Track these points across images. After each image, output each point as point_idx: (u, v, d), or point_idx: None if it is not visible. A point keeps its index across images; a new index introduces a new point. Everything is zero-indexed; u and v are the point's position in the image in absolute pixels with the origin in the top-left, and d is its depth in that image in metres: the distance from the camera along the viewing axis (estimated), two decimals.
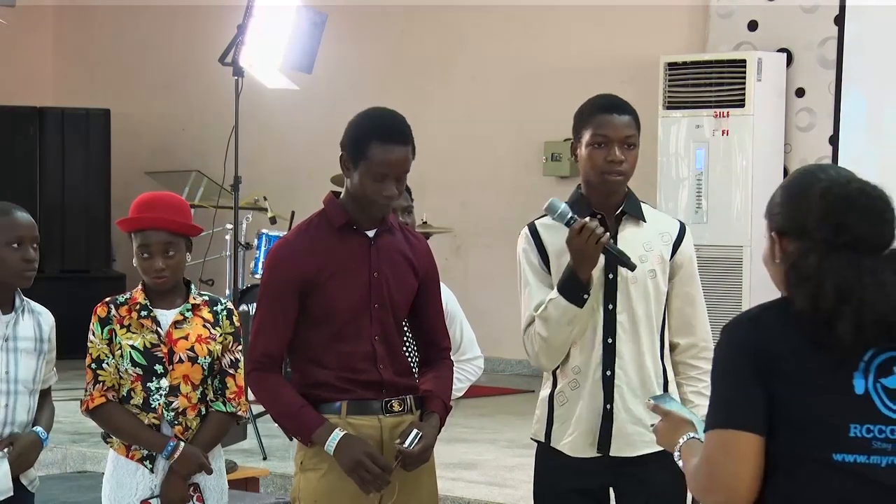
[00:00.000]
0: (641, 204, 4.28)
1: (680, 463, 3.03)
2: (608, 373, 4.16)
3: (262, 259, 9.68)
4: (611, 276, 4.17)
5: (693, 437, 3.03)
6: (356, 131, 4.18)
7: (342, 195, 4.25)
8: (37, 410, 4.62)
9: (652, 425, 3.24)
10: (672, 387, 4.23)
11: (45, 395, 4.70)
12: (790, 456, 2.79)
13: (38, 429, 4.58)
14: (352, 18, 12.37)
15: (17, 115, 13.19)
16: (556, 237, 4.22)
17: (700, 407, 4.07)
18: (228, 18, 10.32)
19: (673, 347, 4.26)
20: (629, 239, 4.21)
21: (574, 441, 4.19)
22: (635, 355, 4.18)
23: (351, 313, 4.17)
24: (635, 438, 4.16)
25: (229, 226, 10.49)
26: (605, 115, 4.20)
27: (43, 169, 13.13)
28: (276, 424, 4.31)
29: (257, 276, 9.56)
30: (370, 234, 4.22)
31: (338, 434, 4.07)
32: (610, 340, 4.17)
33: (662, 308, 4.22)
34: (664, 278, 4.21)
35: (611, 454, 4.17)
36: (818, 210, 2.88)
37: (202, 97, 13.29)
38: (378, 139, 4.11)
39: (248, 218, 10.53)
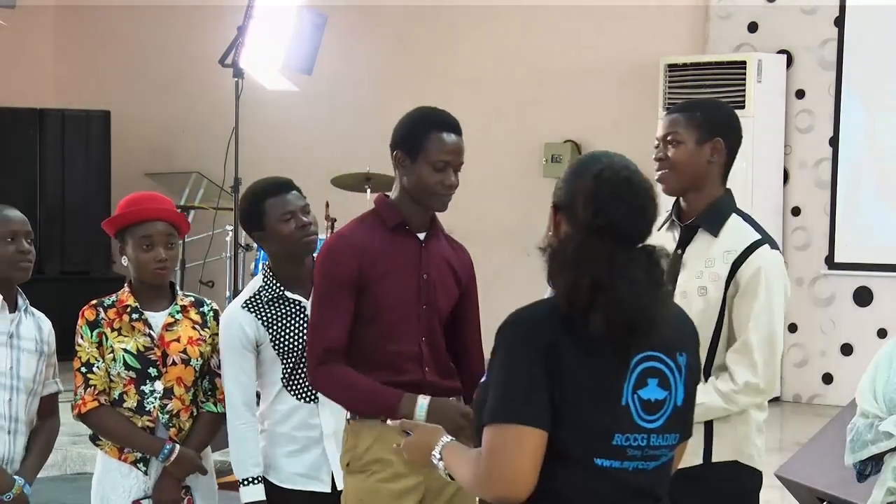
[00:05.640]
0: (732, 216, 4.14)
1: (441, 465, 3.06)
2: None
3: (262, 261, 9.67)
4: (669, 287, 4.12)
5: (450, 441, 3.08)
6: (413, 125, 4.22)
7: (394, 196, 4.27)
8: (30, 440, 4.58)
9: (396, 445, 3.24)
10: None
11: (48, 415, 4.65)
12: (557, 454, 2.85)
13: (24, 484, 4.51)
14: (352, 19, 12.37)
15: (18, 116, 13.18)
16: None
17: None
18: (228, 20, 10.32)
19: None
20: (694, 254, 4.13)
21: None
22: None
23: (400, 313, 4.20)
24: None
25: (229, 227, 10.50)
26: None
27: (43, 170, 13.13)
28: (349, 412, 4.27)
29: None
30: (421, 236, 4.26)
31: (424, 403, 4.07)
32: None
33: (712, 327, 4.07)
34: (717, 298, 4.06)
35: None
36: (587, 190, 2.94)
37: (202, 99, 13.29)
38: (437, 129, 4.19)
39: None
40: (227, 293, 10.31)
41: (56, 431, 4.68)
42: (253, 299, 4.61)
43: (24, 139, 13.11)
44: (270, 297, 4.61)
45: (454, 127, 4.23)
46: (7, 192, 12.71)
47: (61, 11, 14.79)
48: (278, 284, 4.63)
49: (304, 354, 4.59)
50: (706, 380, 4.08)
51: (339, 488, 4.58)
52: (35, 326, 4.61)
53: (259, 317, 4.58)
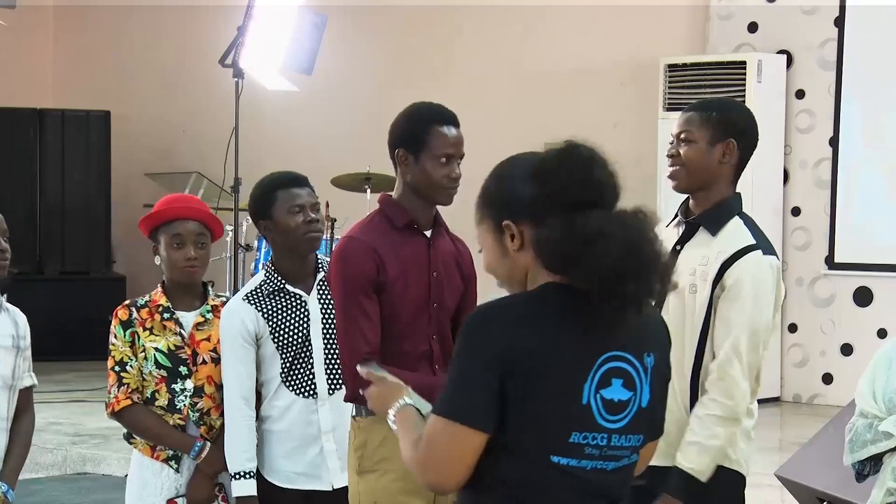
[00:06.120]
0: (734, 219, 4.16)
1: (394, 427, 3.08)
2: None
3: (262, 261, 9.67)
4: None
5: (408, 404, 3.09)
6: (412, 122, 4.23)
7: (397, 195, 4.26)
8: (9, 440, 4.56)
9: (362, 391, 3.21)
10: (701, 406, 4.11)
11: (24, 410, 4.63)
12: (514, 448, 2.84)
13: (7, 490, 4.51)
14: (352, 19, 12.37)
15: (18, 116, 13.19)
16: None
17: (691, 433, 4.02)
18: (228, 20, 10.32)
19: None
20: (691, 251, 4.15)
21: None
22: None
23: (412, 313, 4.22)
24: None
25: (229, 227, 10.49)
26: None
27: (43, 171, 13.13)
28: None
29: None
30: (428, 234, 4.27)
31: None
32: None
33: (700, 326, 4.09)
34: (704, 297, 4.09)
35: None
36: (567, 170, 2.87)
37: (202, 99, 13.30)
38: (436, 123, 4.19)
39: (248, 219, 10.54)
40: (228, 293, 10.31)
41: (32, 428, 4.67)
42: (254, 292, 4.63)
43: (24, 140, 13.12)
44: (271, 289, 4.63)
45: (452, 119, 4.23)
46: (7, 192, 12.71)
47: (61, 11, 14.79)
48: (280, 278, 4.64)
49: (304, 348, 4.60)
50: (698, 384, 4.09)
51: (335, 486, 4.58)
52: (11, 322, 4.59)
53: (259, 309, 4.60)
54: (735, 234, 4.14)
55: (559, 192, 2.87)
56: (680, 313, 4.11)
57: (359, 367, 3.28)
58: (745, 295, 4.05)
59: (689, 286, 4.10)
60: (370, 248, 4.17)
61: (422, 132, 4.18)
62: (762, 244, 4.13)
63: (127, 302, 4.73)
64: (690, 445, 4.03)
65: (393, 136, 4.24)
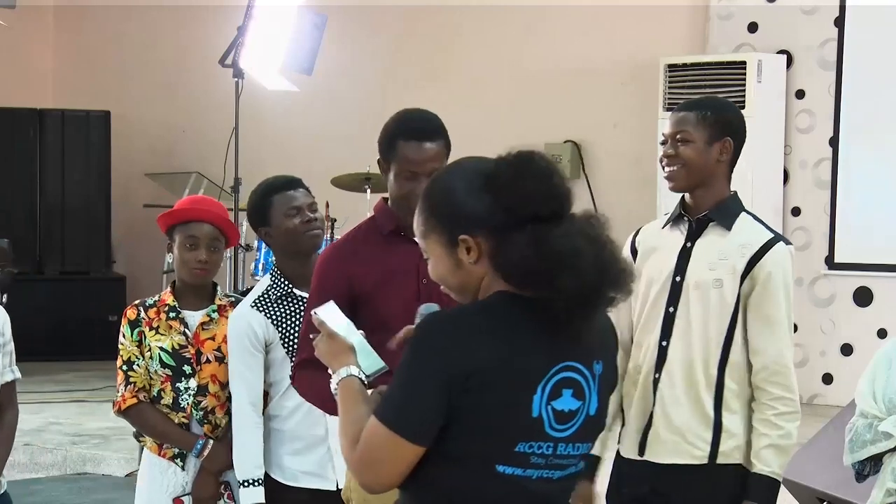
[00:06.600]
0: (742, 214, 4.21)
1: (335, 396, 3.02)
2: (657, 375, 4.14)
3: (262, 261, 9.67)
4: (678, 279, 4.14)
5: (352, 375, 3.03)
6: (385, 132, 4.15)
7: (390, 201, 4.22)
8: None
9: (312, 336, 3.17)
10: (731, 403, 4.12)
11: (6, 406, 4.62)
12: (458, 456, 2.82)
13: None
14: (352, 19, 12.37)
15: (17, 116, 13.19)
16: (647, 235, 4.29)
17: (764, 437, 4.07)
18: (229, 20, 10.32)
19: (750, 369, 4.16)
20: (704, 246, 4.17)
21: (625, 441, 4.22)
22: (684, 362, 4.12)
23: (402, 321, 4.14)
24: (669, 447, 4.13)
25: None
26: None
27: (43, 171, 13.13)
28: (328, 414, 4.27)
29: (257, 278, 9.55)
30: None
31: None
32: (664, 343, 4.13)
33: (727, 321, 4.12)
34: (732, 291, 4.11)
35: (644, 457, 4.17)
36: (527, 182, 2.82)
37: (202, 99, 13.30)
38: (403, 137, 4.06)
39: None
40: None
41: (15, 422, 4.67)
42: (262, 298, 4.64)
43: (24, 139, 13.12)
44: (279, 294, 4.63)
45: (422, 133, 4.08)
46: (7, 192, 12.72)
47: (61, 11, 14.79)
48: (286, 282, 4.64)
49: None
50: (724, 379, 4.11)
51: (341, 486, 4.60)
52: None
53: (268, 315, 4.61)
54: (752, 227, 4.20)
55: (521, 206, 2.82)
56: (703, 308, 4.13)
57: (313, 312, 3.22)
58: (780, 290, 4.11)
59: (713, 281, 4.12)
60: (346, 258, 4.13)
61: (389, 146, 4.09)
62: (778, 235, 4.21)
63: (136, 302, 4.78)
64: (766, 449, 4.09)
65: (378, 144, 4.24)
